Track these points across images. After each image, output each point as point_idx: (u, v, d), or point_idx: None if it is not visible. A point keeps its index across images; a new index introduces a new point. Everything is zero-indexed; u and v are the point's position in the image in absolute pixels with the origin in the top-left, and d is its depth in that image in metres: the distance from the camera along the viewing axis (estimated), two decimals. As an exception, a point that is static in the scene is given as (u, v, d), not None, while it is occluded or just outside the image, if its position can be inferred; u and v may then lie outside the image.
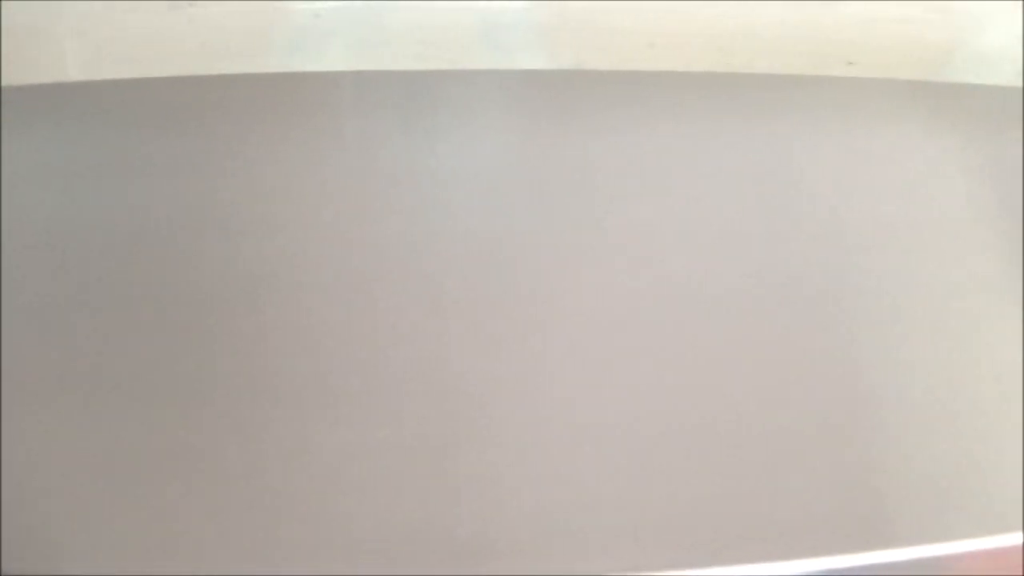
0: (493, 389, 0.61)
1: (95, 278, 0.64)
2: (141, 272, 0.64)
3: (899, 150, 0.75)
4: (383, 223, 0.68)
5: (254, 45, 0.78)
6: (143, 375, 0.60)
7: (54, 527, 0.54)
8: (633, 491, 0.58)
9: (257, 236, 0.66)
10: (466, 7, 0.80)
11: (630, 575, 0.55)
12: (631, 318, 0.65)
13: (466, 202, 0.70)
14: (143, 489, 0.56)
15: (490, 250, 0.67)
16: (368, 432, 0.59)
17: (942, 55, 0.83)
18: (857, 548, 0.56)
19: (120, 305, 0.63)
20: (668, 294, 0.66)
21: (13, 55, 0.75)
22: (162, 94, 0.74)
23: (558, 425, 0.60)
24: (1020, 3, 0.84)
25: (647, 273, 0.67)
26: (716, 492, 0.58)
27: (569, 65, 0.80)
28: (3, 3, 0.77)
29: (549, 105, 0.75)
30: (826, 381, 0.63)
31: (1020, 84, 0.84)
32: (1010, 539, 0.57)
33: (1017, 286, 0.69)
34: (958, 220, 0.72)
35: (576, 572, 0.55)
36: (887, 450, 0.61)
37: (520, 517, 0.57)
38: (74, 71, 0.79)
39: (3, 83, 0.72)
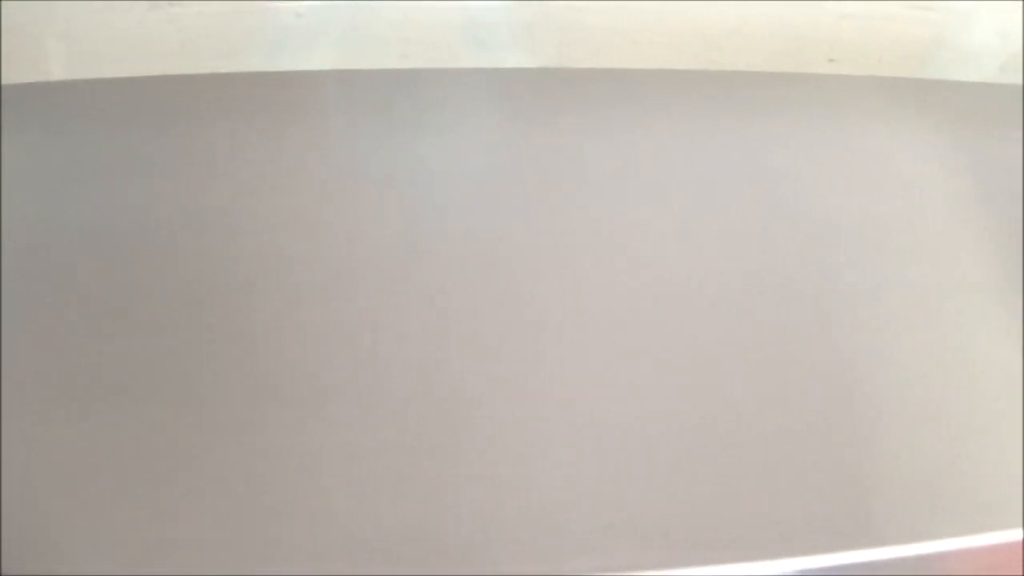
0: (484, 390, 0.61)
1: (81, 277, 0.64)
2: (127, 270, 0.64)
3: (881, 146, 0.76)
4: (368, 222, 0.68)
5: (236, 44, 0.78)
6: (139, 376, 0.60)
7: (54, 527, 0.54)
8: (629, 491, 0.58)
9: (241, 236, 0.66)
10: (450, 6, 0.80)
11: (628, 575, 0.55)
12: (615, 317, 0.65)
13: (451, 201, 0.70)
14: (143, 489, 0.56)
15: (476, 249, 0.67)
16: (366, 433, 0.59)
17: (924, 52, 0.84)
18: (856, 546, 0.56)
19: (104, 304, 0.63)
20: (654, 293, 0.66)
21: (-5, 55, 0.75)
22: (146, 94, 0.73)
23: (549, 425, 0.60)
24: (1000, 1, 0.84)
25: (632, 271, 0.67)
26: (716, 491, 0.59)
27: (553, 63, 0.81)
28: (-14, 5, 0.76)
29: (533, 104, 0.75)
30: (819, 381, 0.64)
31: (1002, 80, 0.84)
32: (1009, 536, 0.57)
33: (1003, 283, 0.69)
34: (942, 216, 0.73)
35: (575, 572, 0.55)
36: (885, 448, 0.61)
37: (518, 517, 0.57)
38: (57, 71, 0.78)
39: (-15, 83, 0.72)
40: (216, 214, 0.67)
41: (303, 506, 0.56)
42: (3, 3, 0.76)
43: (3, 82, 0.73)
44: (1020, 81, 0.83)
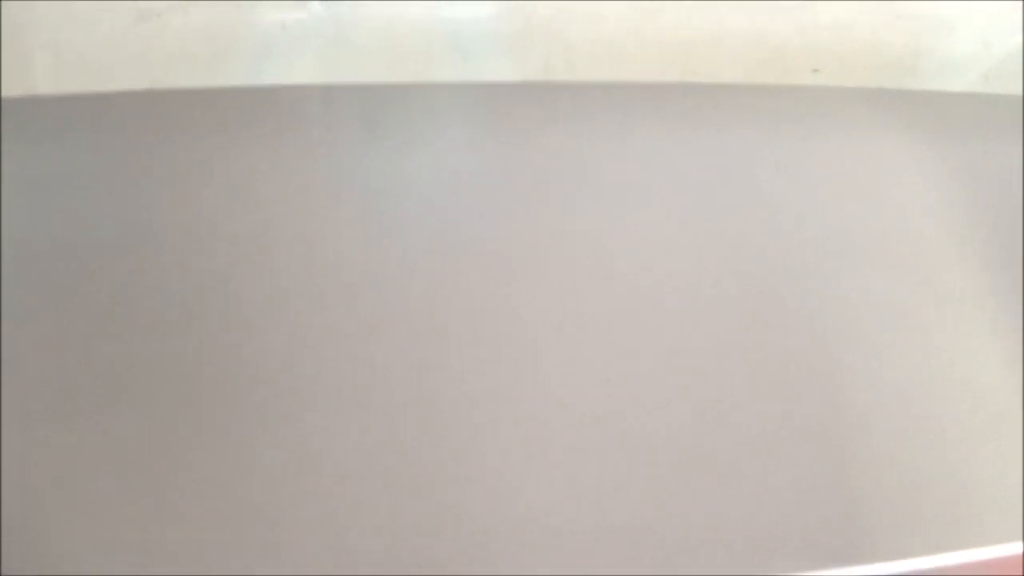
0: (470, 395, 0.62)
1: (73, 284, 0.64)
2: (116, 279, 0.64)
3: (867, 157, 0.76)
4: (354, 235, 0.68)
5: (221, 56, 0.78)
6: (137, 379, 0.60)
7: (54, 527, 0.55)
8: (625, 493, 0.58)
9: (224, 248, 0.66)
10: (434, 17, 0.80)
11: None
12: (598, 333, 0.65)
13: (437, 214, 0.70)
14: (143, 490, 0.56)
15: (463, 262, 0.67)
16: (362, 436, 0.59)
17: (907, 62, 0.84)
18: (850, 561, 0.57)
19: (97, 310, 0.63)
20: (638, 307, 0.66)
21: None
22: (132, 108, 0.73)
23: (542, 432, 0.60)
24: (984, 10, 0.84)
25: (617, 285, 0.67)
26: (708, 502, 0.59)
27: (537, 75, 0.81)
28: (-30, 17, 0.76)
29: (516, 118, 0.75)
30: (811, 393, 0.64)
31: (987, 89, 0.85)
32: (1009, 549, 0.58)
33: (990, 292, 0.69)
34: (928, 226, 0.73)
35: (574, 572, 0.56)
36: (881, 460, 0.61)
37: (517, 517, 0.57)
38: (43, 84, 0.78)
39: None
40: (200, 227, 0.67)
41: (304, 507, 0.56)
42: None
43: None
44: (1003, 90, 0.84)
